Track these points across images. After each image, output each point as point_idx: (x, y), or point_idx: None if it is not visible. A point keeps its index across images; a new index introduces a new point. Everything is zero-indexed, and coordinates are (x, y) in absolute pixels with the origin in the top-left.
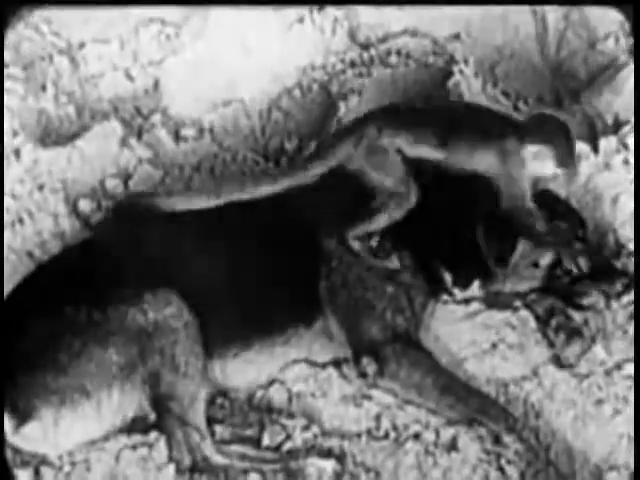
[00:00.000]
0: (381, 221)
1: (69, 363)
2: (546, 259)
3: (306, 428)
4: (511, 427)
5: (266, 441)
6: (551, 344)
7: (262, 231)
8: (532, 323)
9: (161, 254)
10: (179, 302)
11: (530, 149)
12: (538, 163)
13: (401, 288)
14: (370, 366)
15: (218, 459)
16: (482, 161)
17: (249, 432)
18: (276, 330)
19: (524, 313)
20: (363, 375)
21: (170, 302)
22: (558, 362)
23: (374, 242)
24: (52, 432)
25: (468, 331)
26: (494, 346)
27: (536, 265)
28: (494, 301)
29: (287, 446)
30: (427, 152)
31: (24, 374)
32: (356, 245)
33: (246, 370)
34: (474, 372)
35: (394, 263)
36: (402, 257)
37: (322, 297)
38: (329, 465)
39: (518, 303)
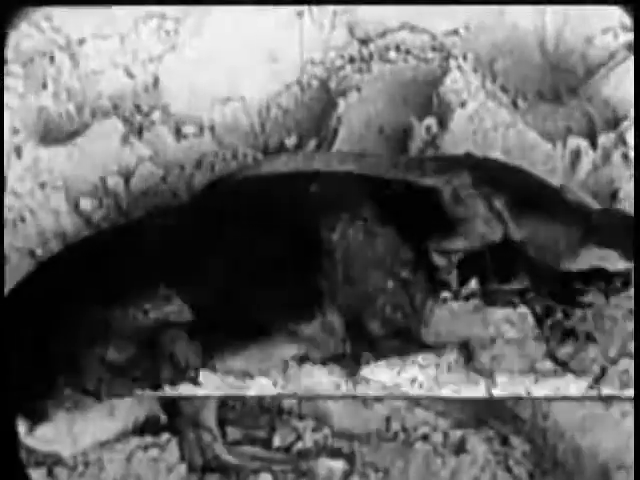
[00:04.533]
0: (459, 245)
1: (80, 368)
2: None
3: (316, 429)
4: (518, 429)
5: (277, 442)
6: (547, 342)
7: (261, 227)
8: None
9: (162, 252)
10: (179, 300)
11: (597, 252)
12: (601, 262)
13: (401, 284)
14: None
15: (229, 459)
16: None
17: (260, 433)
18: (275, 329)
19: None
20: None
21: (170, 300)
22: (554, 360)
23: (455, 259)
24: (65, 434)
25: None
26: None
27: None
28: (493, 299)
29: (298, 447)
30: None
31: (38, 377)
32: (437, 258)
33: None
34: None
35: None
36: (405, 253)
37: (323, 292)
38: (339, 465)
39: (517, 300)
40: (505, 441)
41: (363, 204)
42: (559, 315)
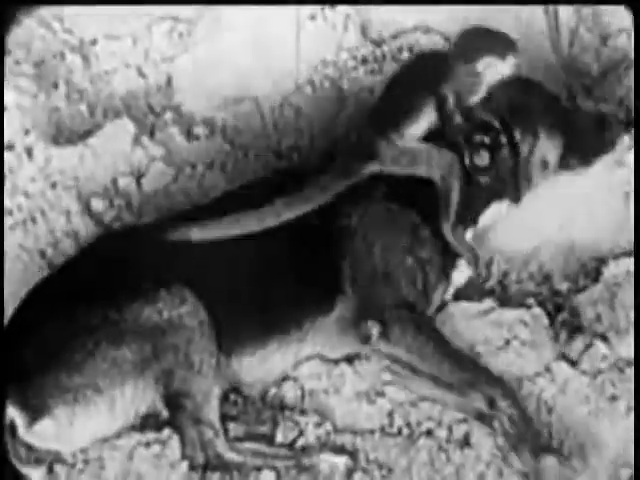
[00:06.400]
0: (454, 199)
1: (83, 362)
2: None
3: (319, 425)
4: (506, 394)
5: (279, 438)
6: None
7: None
8: (545, 320)
9: (176, 251)
10: (194, 300)
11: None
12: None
13: (418, 263)
14: (374, 328)
15: (231, 456)
16: None
17: (263, 429)
18: (293, 325)
19: (537, 310)
20: (366, 338)
21: (185, 300)
22: (564, 358)
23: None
24: (66, 430)
25: (481, 328)
26: (507, 343)
27: None
28: (507, 299)
29: (300, 443)
30: None
31: (38, 372)
32: (450, 236)
33: (262, 367)
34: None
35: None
36: (423, 232)
37: (344, 275)
38: (342, 461)
39: (531, 301)
40: (492, 404)
41: (378, 186)
42: (568, 313)
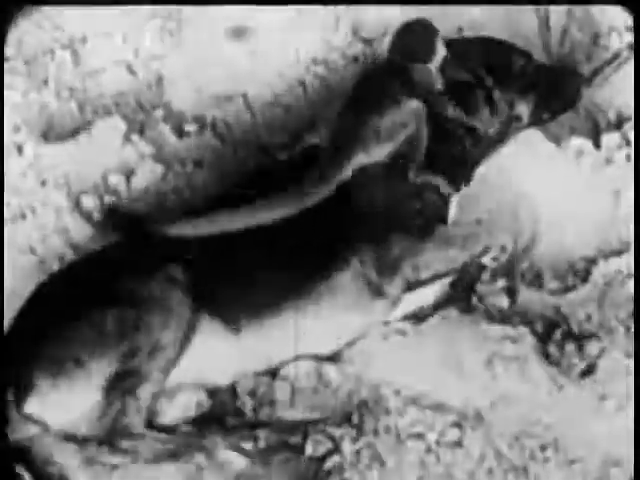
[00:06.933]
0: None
1: (70, 329)
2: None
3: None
4: None
5: (309, 450)
6: (551, 361)
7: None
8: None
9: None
10: (184, 285)
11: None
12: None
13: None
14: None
15: (139, 431)
16: None
17: (294, 440)
18: (305, 291)
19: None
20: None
21: (175, 283)
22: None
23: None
24: (49, 405)
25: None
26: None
27: None
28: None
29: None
30: None
31: (27, 343)
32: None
33: (275, 337)
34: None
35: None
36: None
37: (354, 230)
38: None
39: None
40: None
41: None
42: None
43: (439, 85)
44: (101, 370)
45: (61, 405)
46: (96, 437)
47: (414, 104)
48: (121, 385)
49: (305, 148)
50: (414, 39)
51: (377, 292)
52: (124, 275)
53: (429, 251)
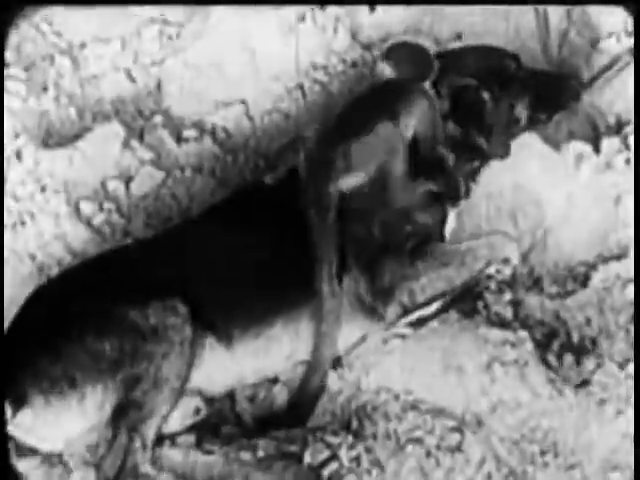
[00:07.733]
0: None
1: (65, 348)
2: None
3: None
4: None
5: (308, 459)
6: (550, 367)
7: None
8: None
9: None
10: (185, 316)
11: None
12: None
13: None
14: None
15: (147, 469)
16: None
17: (292, 448)
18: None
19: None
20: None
21: (175, 313)
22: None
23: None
24: (41, 421)
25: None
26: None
27: None
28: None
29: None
30: None
31: (23, 357)
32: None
33: (269, 349)
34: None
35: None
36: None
37: (347, 251)
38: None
39: (516, 324)
40: None
41: None
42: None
43: (445, 105)
44: (96, 396)
45: (53, 423)
46: (107, 478)
47: (388, 129)
48: (125, 418)
49: (289, 170)
50: (409, 57)
51: (372, 311)
52: (121, 299)
53: (424, 274)
